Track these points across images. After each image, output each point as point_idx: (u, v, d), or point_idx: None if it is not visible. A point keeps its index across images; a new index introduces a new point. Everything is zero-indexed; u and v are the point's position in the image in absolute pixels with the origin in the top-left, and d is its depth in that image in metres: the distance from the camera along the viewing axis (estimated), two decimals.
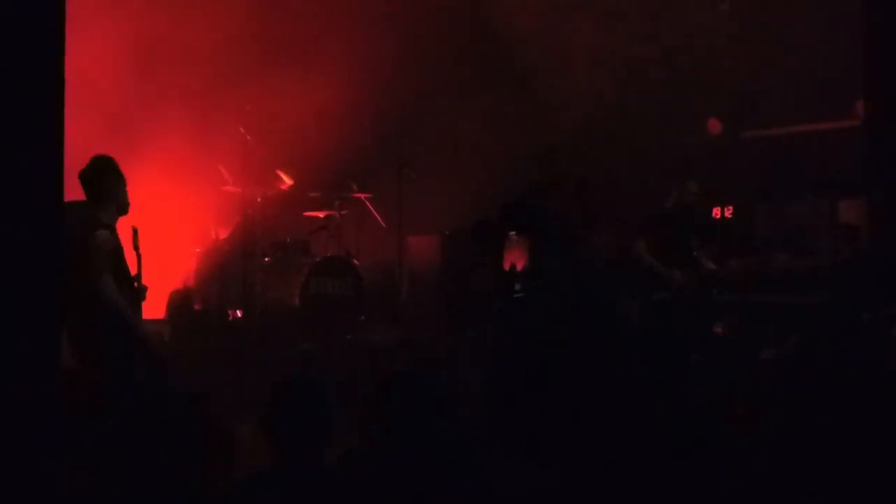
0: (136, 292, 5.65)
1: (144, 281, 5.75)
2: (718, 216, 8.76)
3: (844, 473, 2.88)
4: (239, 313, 8.80)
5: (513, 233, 4.36)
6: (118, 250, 5.59)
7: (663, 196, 7.92)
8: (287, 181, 9.22)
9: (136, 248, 5.68)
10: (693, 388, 3.45)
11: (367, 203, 9.45)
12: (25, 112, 3.61)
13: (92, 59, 8.46)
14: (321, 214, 9.29)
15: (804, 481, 2.97)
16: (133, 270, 5.67)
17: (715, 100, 9.77)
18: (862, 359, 3.25)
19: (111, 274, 5.45)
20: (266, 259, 8.91)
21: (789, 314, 6.98)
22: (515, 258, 4.42)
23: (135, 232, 5.68)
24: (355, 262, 8.89)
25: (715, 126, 9.86)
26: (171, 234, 8.96)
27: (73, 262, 5.39)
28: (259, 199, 9.12)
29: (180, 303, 8.46)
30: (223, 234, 9.29)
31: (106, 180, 5.62)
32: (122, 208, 5.70)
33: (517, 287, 4.33)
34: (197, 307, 8.74)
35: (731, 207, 8.72)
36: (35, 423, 3.23)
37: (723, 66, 9.60)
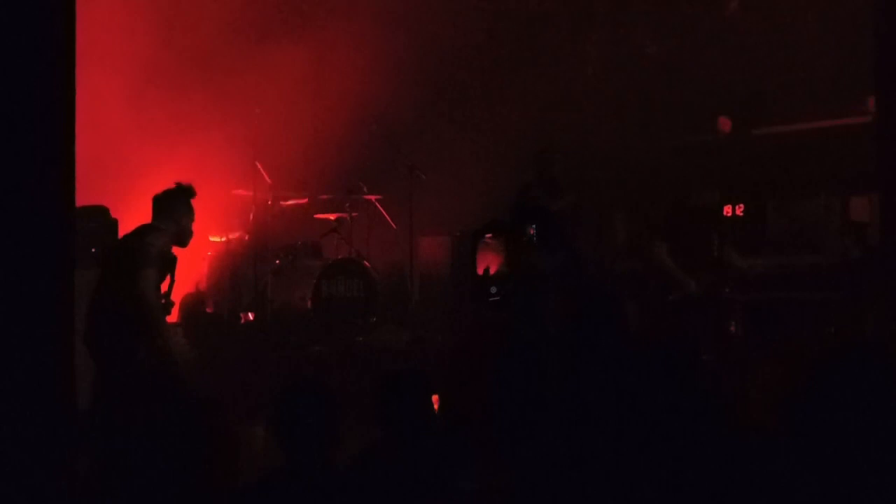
0: (164, 307, 5.74)
1: None
2: (729, 214, 8.74)
3: (851, 473, 2.86)
4: (251, 316, 8.84)
5: (488, 235, 4.33)
6: (167, 257, 5.67)
7: (674, 195, 7.90)
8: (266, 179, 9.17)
9: (172, 274, 5.77)
10: (704, 387, 3.44)
11: (378, 205, 9.47)
12: (35, 115, 3.63)
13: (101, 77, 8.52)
14: (332, 217, 9.31)
15: (815, 482, 2.96)
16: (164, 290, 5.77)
17: (725, 98, 9.75)
18: (869, 357, 3.24)
19: (155, 271, 5.53)
20: (277, 262, 8.93)
21: (801, 312, 6.95)
22: (490, 261, 4.38)
23: (174, 260, 5.77)
24: (366, 263, 8.90)
25: (725, 124, 9.83)
26: None
27: (119, 266, 5.50)
28: (270, 202, 9.15)
29: (192, 306, 8.50)
30: (233, 235, 9.31)
31: (176, 206, 5.73)
32: (182, 238, 5.77)
33: (492, 290, 4.30)
34: (209, 310, 8.79)
35: (741, 205, 8.69)
36: (37, 422, 3.25)
37: (733, 63, 9.57)
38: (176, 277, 5.84)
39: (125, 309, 5.49)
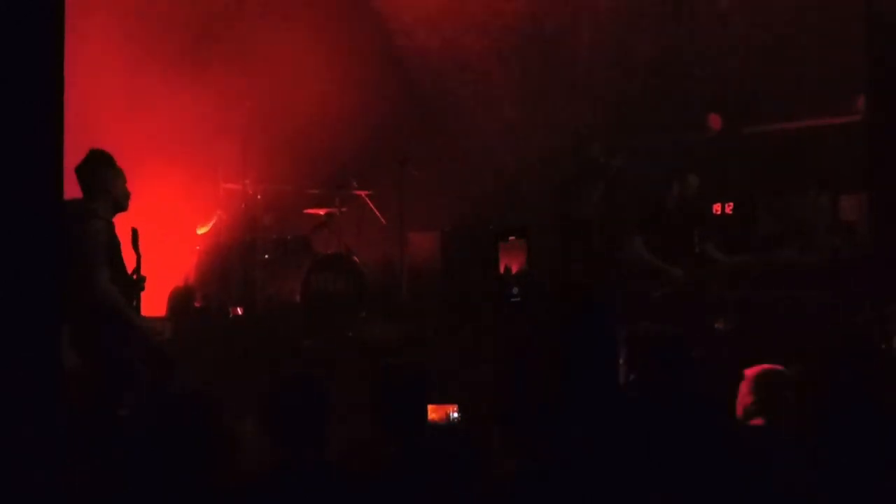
0: (135, 284, 5.56)
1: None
2: (719, 212, 8.75)
3: (846, 473, 2.87)
4: (240, 310, 8.81)
5: (511, 237, 4.33)
6: (113, 242, 5.50)
7: (663, 192, 7.90)
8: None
9: (136, 248, 5.58)
10: (692, 383, 3.45)
11: (368, 200, 9.45)
12: (24, 109, 3.61)
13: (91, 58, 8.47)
14: (321, 211, 9.29)
15: (803, 481, 2.96)
16: (131, 268, 5.61)
17: (716, 95, 9.76)
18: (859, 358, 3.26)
19: (106, 267, 5.36)
20: (266, 256, 8.91)
21: (790, 311, 6.98)
22: (511, 261, 4.38)
23: (134, 233, 5.57)
24: (356, 258, 8.89)
25: (716, 122, 9.85)
26: (172, 231, 8.96)
27: (69, 257, 5.35)
28: (259, 197, 9.12)
29: (181, 300, 8.46)
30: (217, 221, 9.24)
31: (101, 174, 5.50)
32: (120, 203, 5.53)
33: (514, 291, 4.31)
34: (198, 304, 8.75)
35: (731, 203, 8.71)
36: (35, 422, 3.23)
37: (724, 61, 9.59)
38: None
39: (93, 305, 5.36)
